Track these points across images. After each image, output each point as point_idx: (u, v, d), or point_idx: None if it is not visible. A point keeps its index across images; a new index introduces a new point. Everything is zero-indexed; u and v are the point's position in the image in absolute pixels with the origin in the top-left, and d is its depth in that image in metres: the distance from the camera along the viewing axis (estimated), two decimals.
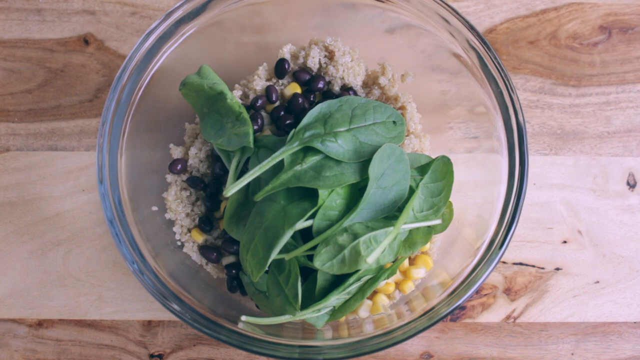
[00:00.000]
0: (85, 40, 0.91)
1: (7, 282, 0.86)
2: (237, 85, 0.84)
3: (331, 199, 0.72)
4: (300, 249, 0.72)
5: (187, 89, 0.76)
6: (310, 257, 0.72)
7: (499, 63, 0.76)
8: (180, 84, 0.76)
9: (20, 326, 0.85)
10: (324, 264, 0.71)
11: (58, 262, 0.86)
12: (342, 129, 0.75)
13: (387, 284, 0.78)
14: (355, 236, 0.71)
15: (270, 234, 0.72)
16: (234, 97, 0.76)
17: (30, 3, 0.91)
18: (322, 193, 0.72)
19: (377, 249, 0.71)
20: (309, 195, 0.73)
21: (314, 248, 0.73)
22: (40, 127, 0.89)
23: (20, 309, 0.85)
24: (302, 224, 0.71)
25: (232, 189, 0.73)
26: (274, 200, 0.73)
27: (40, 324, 0.85)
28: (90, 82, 0.90)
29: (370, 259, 0.70)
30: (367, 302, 0.78)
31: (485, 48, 0.76)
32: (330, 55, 0.83)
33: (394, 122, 0.77)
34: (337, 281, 0.74)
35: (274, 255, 0.70)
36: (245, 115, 0.75)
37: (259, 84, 0.82)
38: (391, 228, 0.72)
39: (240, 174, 0.77)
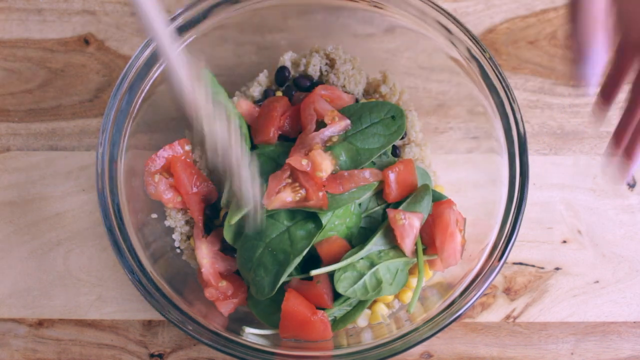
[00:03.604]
0: (86, 40, 0.91)
1: (7, 282, 0.86)
2: (237, 92, 0.84)
3: (331, 221, 0.72)
4: (318, 270, 0.72)
5: None
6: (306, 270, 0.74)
7: (500, 73, 0.75)
8: None
9: (21, 326, 0.85)
10: (347, 289, 0.72)
11: (58, 262, 0.86)
12: (337, 140, 0.75)
13: None
14: (372, 263, 0.72)
15: (276, 258, 0.72)
16: (234, 107, 0.76)
17: (31, 3, 0.91)
18: (325, 213, 0.72)
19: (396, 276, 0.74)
20: (312, 215, 0.73)
21: (309, 263, 0.74)
22: (41, 127, 0.89)
23: (20, 308, 0.85)
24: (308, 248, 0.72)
25: (234, 217, 0.73)
26: (276, 219, 0.73)
27: (40, 323, 0.85)
28: (91, 82, 0.90)
29: (395, 289, 0.73)
30: (366, 311, 0.78)
31: (487, 58, 0.76)
32: (331, 63, 0.83)
33: (393, 117, 0.76)
34: (337, 292, 0.75)
35: (282, 280, 0.71)
36: (245, 129, 0.75)
37: (256, 90, 0.82)
38: (405, 258, 0.74)
39: None
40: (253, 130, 0.77)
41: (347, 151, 0.74)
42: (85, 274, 0.86)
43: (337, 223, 0.73)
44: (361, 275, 0.72)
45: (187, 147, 0.79)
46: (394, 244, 0.73)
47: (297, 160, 0.71)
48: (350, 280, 0.72)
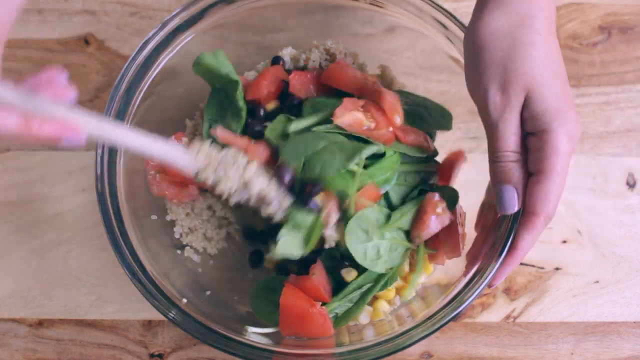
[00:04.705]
0: (86, 41, 0.92)
1: (7, 282, 0.86)
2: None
3: (375, 166, 0.73)
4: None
5: (201, 67, 0.77)
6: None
7: None
8: (194, 63, 0.77)
9: (21, 326, 0.85)
10: (352, 244, 0.71)
11: (58, 262, 0.86)
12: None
13: (387, 290, 0.78)
14: (382, 235, 0.73)
15: (344, 148, 0.71)
16: (242, 93, 0.76)
17: (31, 3, 0.91)
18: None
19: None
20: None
21: (308, 261, 0.74)
22: None
23: (20, 308, 0.85)
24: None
25: (296, 126, 0.74)
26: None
27: (40, 323, 0.85)
28: (91, 82, 0.90)
29: (386, 265, 0.74)
30: (368, 308, 0.78)
31: None
32: (331, 58, 0.83)
33: (442, 116, 0.82)
34: (337, 288, 0.74)
35: (356, 161, 0.70)
36: (244, 113, 0.76)
37: (254, 76, 0.83)
38: (407, 244, 0.74)
39: None
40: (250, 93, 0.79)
41: (409, 115, 0.78)
42: (85, 274, 0.86)
43: (379, 172, 0.73)
44: (368, 240, 0.72)
45: (184, 140, 0.80)
46: (408, 228, 0.74)
47: (390, 94, 0.73)
48: (359, 236, 0.72)
